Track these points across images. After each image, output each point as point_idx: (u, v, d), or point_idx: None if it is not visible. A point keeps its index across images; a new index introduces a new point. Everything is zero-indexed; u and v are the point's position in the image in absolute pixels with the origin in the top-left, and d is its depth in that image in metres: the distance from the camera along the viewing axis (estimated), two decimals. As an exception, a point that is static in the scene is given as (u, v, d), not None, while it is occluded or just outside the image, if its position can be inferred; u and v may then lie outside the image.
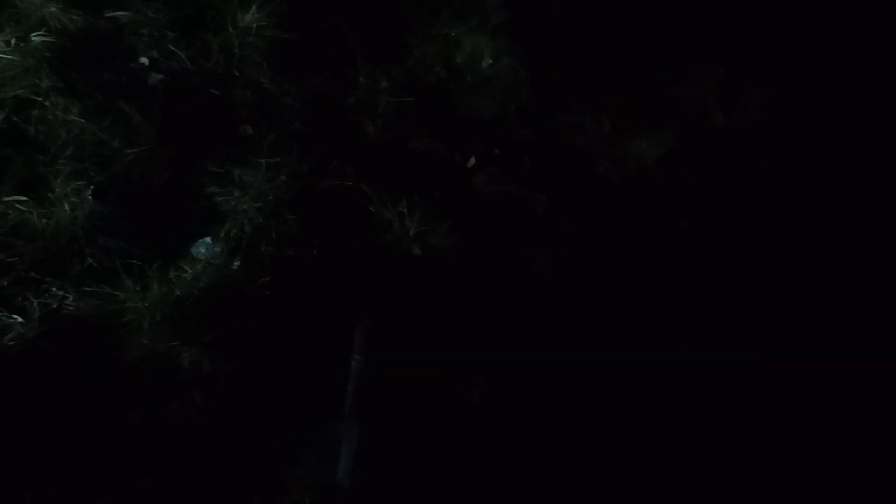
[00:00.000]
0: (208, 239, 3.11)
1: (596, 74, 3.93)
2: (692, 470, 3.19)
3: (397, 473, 2.83)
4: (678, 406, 3.27)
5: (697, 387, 3.32)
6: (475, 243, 3.37)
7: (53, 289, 2.94)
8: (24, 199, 3.08)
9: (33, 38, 3.39)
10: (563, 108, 3.84)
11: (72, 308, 2.91)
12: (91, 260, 3.00)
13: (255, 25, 3.57)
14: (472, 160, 3.55)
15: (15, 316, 2.86)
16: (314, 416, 2.83)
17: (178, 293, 2.93)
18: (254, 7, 3.56)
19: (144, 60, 3.47)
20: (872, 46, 4.20)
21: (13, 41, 3.38)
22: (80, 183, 3.13)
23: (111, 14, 3.52)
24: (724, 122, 4.00)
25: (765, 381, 3.38)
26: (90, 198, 3.11)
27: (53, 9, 3.45)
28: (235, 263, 3.07)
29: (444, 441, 2.92)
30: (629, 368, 3.25)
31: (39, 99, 3.28)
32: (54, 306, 2.91)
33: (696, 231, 3.66)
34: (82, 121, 3.25)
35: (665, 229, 3.65)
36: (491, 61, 3.77)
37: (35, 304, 2.89)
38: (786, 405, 3.36)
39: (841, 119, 4.09)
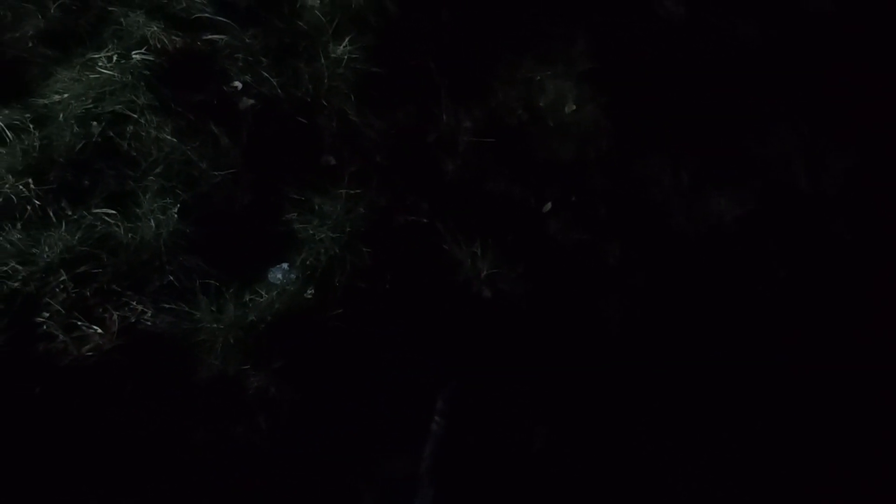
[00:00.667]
0: (285, 265, 3.18)
1: (678, 127, 3.93)
2: (725, 478, 3.18)
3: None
4: (709, 415, 3.26)
5: (727, 395, 3.31)
6: (546, 290, 3.38)
7: (133, 303, 3.03)
8: (112, 212, 3.18)
9: (134, 56, 3.51)
10: (642, 159, 3.83)
11: (149, 323, 3.00)
12: (171, 277, 3.09)
13: (345, 57, 3.65)
14: (549, 205, 3.56)
15: (94, 327, 2.96)
16: (378, 453, 2.87)
17: (252, 317, 3.00)
18: (346, 40, 3.64)
19: (237, 84, 3.57)
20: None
21: (115, 58, 3.51)
22: (167, 200, 3.23)
23: (209, 37, 3.63)
24: (807, 185, 3.95)
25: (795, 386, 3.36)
26: (175, 216, 3.20)
27: (155, 28, 3.57)
28: (309, 292, 3.13)
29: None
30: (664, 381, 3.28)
31: (135, 115, 3.39)
32: (132, 320, 3.00)
33: (771, 297, 3.62)
34: (174, 140, 3.36)
35: (739, 292, 3.61)
36: (574, 107, 3.79)
37: (115, 316, 2.99)
38: (814, 409, 3.33)
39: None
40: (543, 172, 3.71)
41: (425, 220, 3.39)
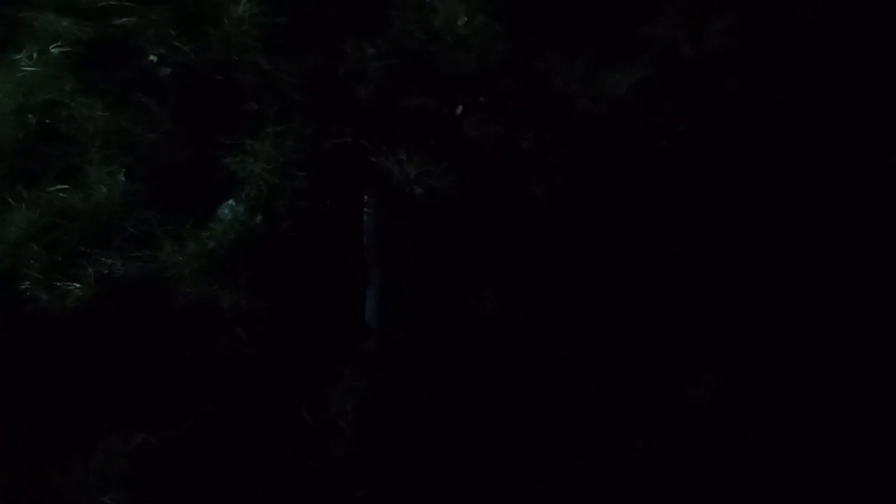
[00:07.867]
0: (231, 201, 3.72)
1: (567, 21, 4.51)
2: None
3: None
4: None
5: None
6: (472, 179, 3.95)
7: (102, 258, 3.55)
8: (65, 186, 3.70)
9: (52, 50, 4.03)
10: (539, 56, 4.41)
11: (121, 271, 3.52)
12: (131, 230, 3.61)
13: (247, 14, 4.19)
14: (460, 108, 4.14)
15: (73, 283, 3.47)
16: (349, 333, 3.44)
17: (212, 245, 3.54)
18: (243, -1, 4.20)
19: (153, 57, 4.10)
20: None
21: (35, 55, 4.02)
22: (112, 167, 3.75)
23: (118, 21, 4.16)
24: (691, 49, 4.55)
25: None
26: (122, 178, 3.73)
27: (66, 23, 4.10)
28: (258, 218, 3.68)
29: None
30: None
31: (65, 101, 3.91)
32: (105, 272, 3.51)
33: (675, 148, 4.22)
34: (106, 114, 3.89)
35: (646, 150, 4.21)
36: (465, 19, 4.36)
37: (89, 271, 3.50)
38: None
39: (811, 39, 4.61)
40: (450, 84, 4.28)
41: (350, 140, 3.94)
